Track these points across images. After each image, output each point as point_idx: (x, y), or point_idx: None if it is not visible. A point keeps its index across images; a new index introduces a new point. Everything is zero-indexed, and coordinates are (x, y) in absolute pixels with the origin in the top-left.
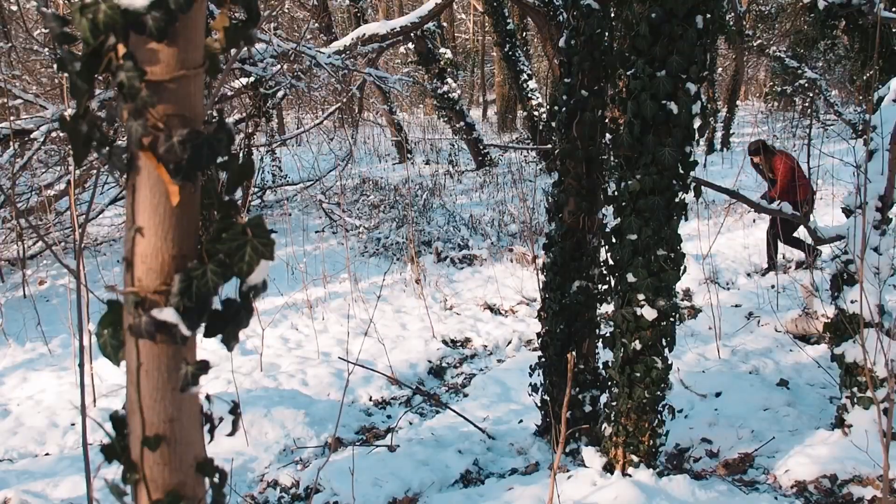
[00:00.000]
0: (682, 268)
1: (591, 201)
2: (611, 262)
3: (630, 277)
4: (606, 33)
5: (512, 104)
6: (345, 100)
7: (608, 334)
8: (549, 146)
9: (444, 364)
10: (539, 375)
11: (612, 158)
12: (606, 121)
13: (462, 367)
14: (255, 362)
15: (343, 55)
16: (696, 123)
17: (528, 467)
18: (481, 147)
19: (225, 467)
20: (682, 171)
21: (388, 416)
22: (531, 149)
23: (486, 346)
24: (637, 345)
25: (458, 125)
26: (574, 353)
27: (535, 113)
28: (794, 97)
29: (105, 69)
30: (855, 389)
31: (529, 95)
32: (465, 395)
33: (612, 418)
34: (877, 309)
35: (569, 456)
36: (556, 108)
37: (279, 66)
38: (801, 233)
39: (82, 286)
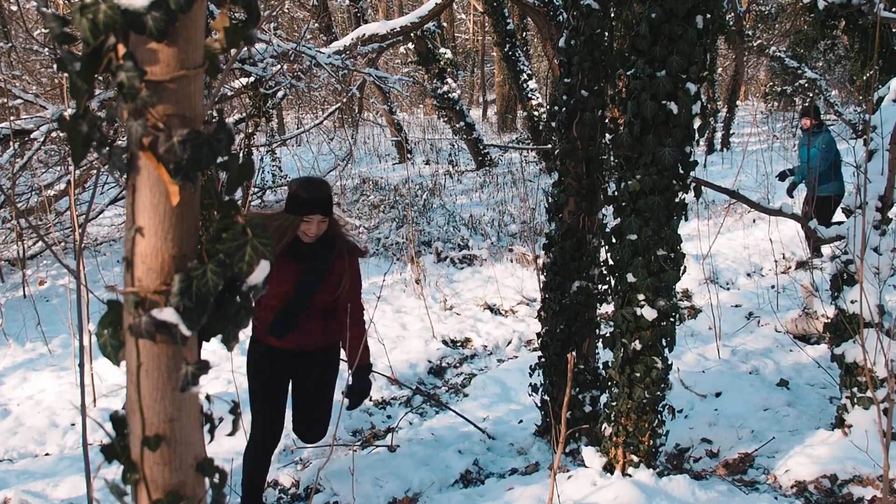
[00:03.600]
0: (682, 268)
1: (591, 201)
2: (611, 262)
3: (630, 277)
4: (606, 33)
5: (512, 104)
6: (345, 100)
7: (608, 334)
8: (549, 146)
9: (444, 364)
10: (539, 375)
11: (612, 158)
12: (606, 121)
13: (462, 367)
14: None
15: (343, 55)
16: (696, 123)
17: (528, 467)
18: (481, 147)
19: (225, 467)
20: (682, 171)
21: (388, 416)
22: (531, 149)
23: (486, 346)
24: (637, 345)
25: (458, 125)
26: (574, 353)
27: (535, 113)
28: (794, 97)
29: (105, 69)
30: (855, 389)
31: (529, 95)
32: (465, 395)
33: (612, 418)
34: (877, 309)
35: (569, 456)
36: (556, 108)
37: (279, 66)
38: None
39: (82, 286)
